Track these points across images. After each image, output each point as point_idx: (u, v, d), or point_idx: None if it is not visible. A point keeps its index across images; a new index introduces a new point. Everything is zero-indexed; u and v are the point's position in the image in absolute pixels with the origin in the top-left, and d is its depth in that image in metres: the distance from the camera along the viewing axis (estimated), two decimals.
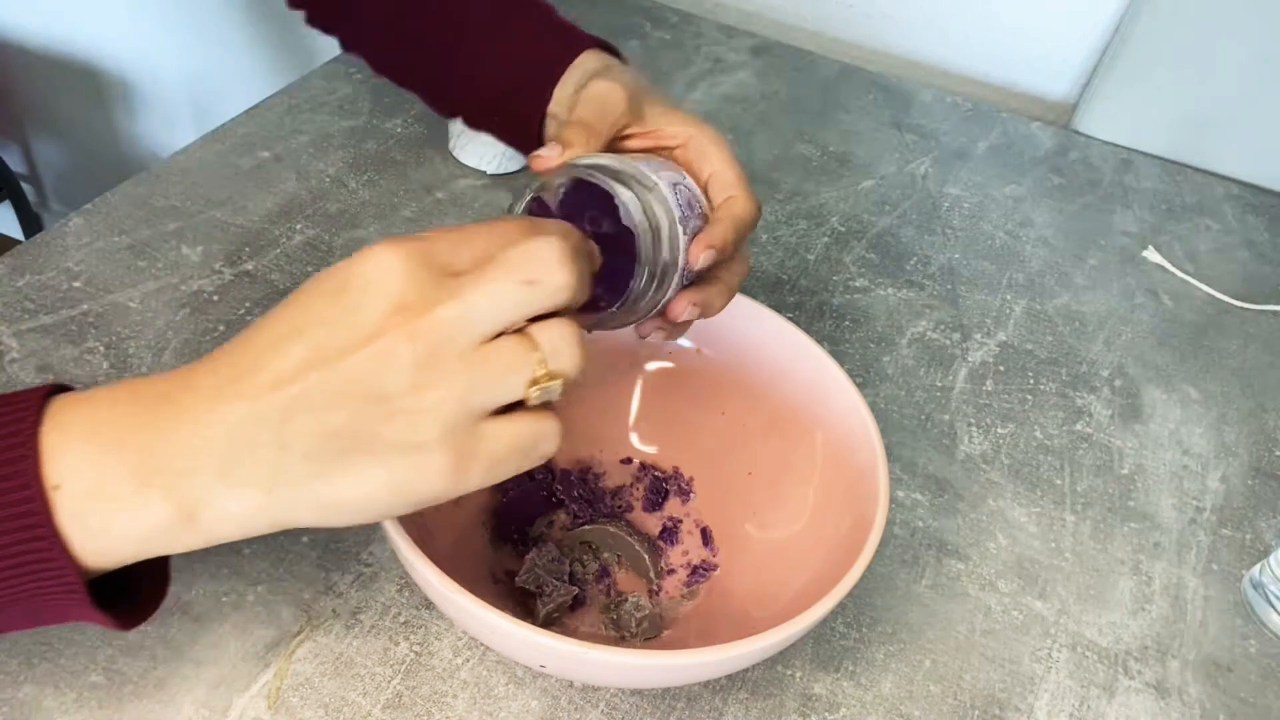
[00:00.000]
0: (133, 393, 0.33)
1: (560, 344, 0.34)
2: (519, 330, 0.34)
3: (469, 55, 0.58)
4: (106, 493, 0.32)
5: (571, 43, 0.55)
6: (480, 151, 0.78)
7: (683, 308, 0.45)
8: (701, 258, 0.44)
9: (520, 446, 0.34)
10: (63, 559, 0.32)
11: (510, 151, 0.79)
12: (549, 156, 0.45)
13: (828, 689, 0.51)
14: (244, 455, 0.32)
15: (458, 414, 0.32)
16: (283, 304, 0.34)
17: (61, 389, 0.34)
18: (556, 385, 0.34)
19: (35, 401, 0.33)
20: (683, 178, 0.47)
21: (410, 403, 0.32)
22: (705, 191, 0.49)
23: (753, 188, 0.49)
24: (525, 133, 0.56)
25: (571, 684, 0.49)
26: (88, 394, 0.34)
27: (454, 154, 0.80)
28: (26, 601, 0.33)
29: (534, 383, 0.34)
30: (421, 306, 0.31)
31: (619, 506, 0.57)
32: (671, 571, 0.54)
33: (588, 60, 0.54)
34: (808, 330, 0.55)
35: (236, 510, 0.33)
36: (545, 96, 0.54)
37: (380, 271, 0.32)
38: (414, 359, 0.31)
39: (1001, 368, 0.72)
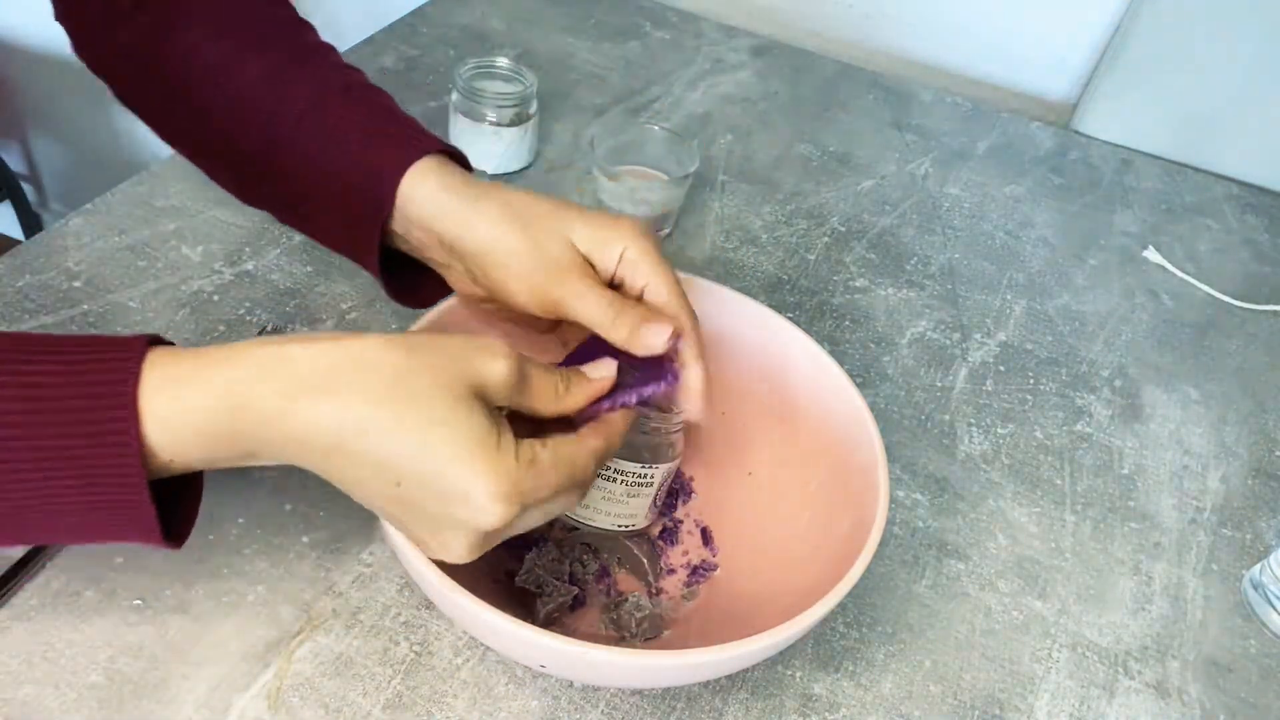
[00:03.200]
0: (231, 404, 0.36)
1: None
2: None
3: (290, 148, 0.50)
4: (214, 461, 0.37)
5: (408, 147, 0.49)
6: (480, 150, 0.78)
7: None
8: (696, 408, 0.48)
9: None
10: (151, 517, 0.36)
11: (511, 151, 0.79)
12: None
13: (828, 689, 0.51)
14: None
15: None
16: (391, 464, 0.37)
17: (156, 340, 0.37)
18: None
19: (133, 379, 0.34)
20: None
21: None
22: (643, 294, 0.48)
23: (684, 294, 0.49)
24: (361, 246, 0.50)
25: (571, 684, 0.49)
26: (189, 383, 0.35)
27: None
28: (101, 527, 0.36)
29: None
30: (508, 527, 0.39)
31: None
32: (671, 571, 0.54)
33: (428, 172, 0.48)
34: (808, 330, 0.55)
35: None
36: (382, 211, 0.48)
37: (482, 502, 0.37)
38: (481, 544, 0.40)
39: (1001, 368, 0.72)
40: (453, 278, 0.51)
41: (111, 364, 0.35)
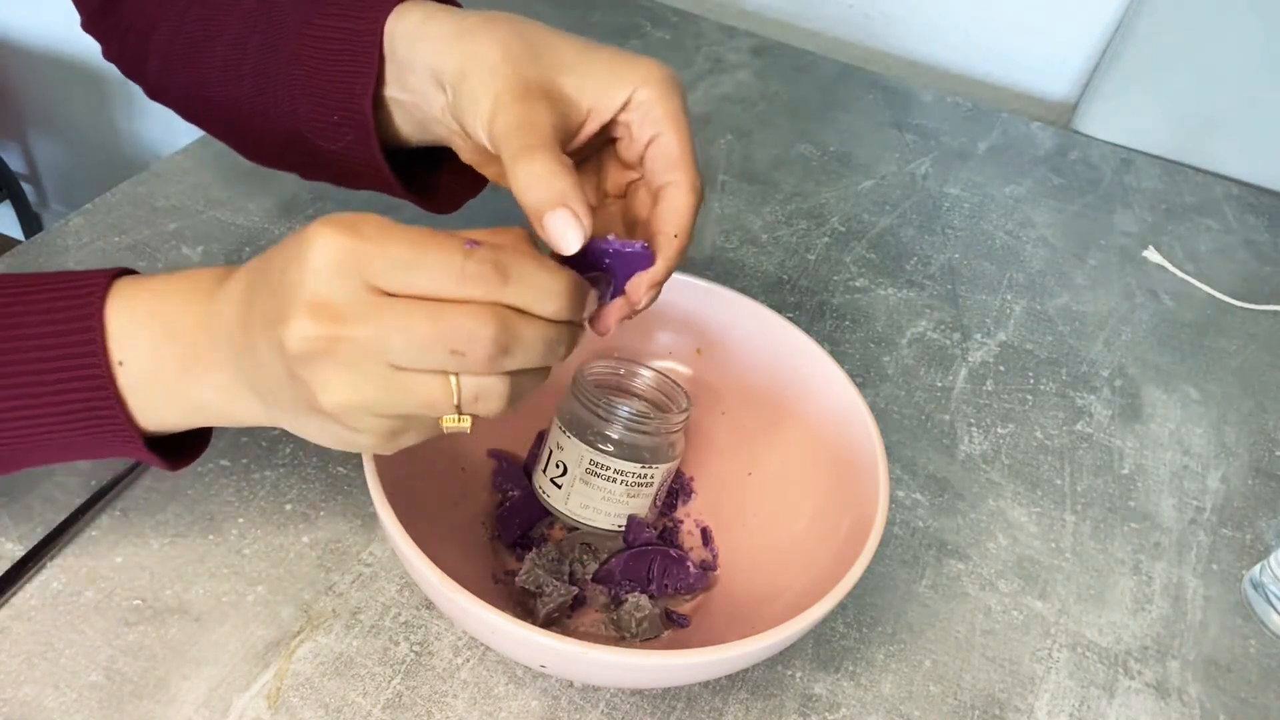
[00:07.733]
0: (189, 288, 0.38)
1: (484, 394, 0.33)
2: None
3: (281, 45, 0.47)
4: (160, 374, 0.37)
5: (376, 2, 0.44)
6: None
7: (642, 296, 0.41)
8: (644, 299, 0.41)
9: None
10: (122, 416, 0.37)
11: None
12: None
13: (828, 689, 0.51)
14: (246, 382, 0.37)
15: (370, 423, 0.34)
16: (266, 258, 0.35)
17: (126, 272, 0.39)
18: (468, 423, 0.34)
19: (102, 283, 0.37)
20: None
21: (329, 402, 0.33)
22: (643, 161, 0.41)
23: (697, 159, 0.41)
24: (357, 122, 0.45)
25: (571, 684, 0.49)
26: (149, 281, 0.38)
27: None
28: (86, 446, 0.39)
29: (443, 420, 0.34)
30: (337, 314, 0.31)
31: None
32: None
33: (408, 10, 0.43)
34: (808, 330, 0.55)
35: (248, 412, 0.38)
36: (371, 62, 0.43)
37: (315, 259, 0.31)
38: (330, 365, 0.32)
39: (1001, 368, 0.72)
40: (458, 144, 0.45)
41: (81, 275, 0.38)
